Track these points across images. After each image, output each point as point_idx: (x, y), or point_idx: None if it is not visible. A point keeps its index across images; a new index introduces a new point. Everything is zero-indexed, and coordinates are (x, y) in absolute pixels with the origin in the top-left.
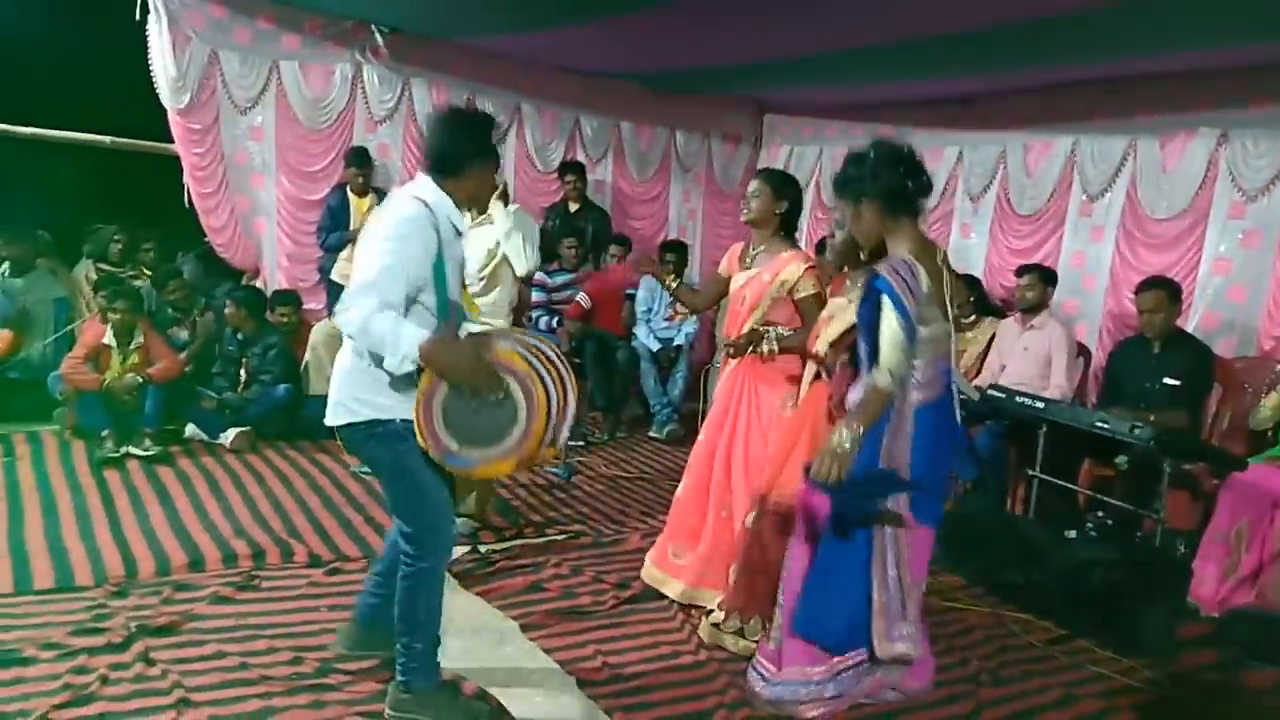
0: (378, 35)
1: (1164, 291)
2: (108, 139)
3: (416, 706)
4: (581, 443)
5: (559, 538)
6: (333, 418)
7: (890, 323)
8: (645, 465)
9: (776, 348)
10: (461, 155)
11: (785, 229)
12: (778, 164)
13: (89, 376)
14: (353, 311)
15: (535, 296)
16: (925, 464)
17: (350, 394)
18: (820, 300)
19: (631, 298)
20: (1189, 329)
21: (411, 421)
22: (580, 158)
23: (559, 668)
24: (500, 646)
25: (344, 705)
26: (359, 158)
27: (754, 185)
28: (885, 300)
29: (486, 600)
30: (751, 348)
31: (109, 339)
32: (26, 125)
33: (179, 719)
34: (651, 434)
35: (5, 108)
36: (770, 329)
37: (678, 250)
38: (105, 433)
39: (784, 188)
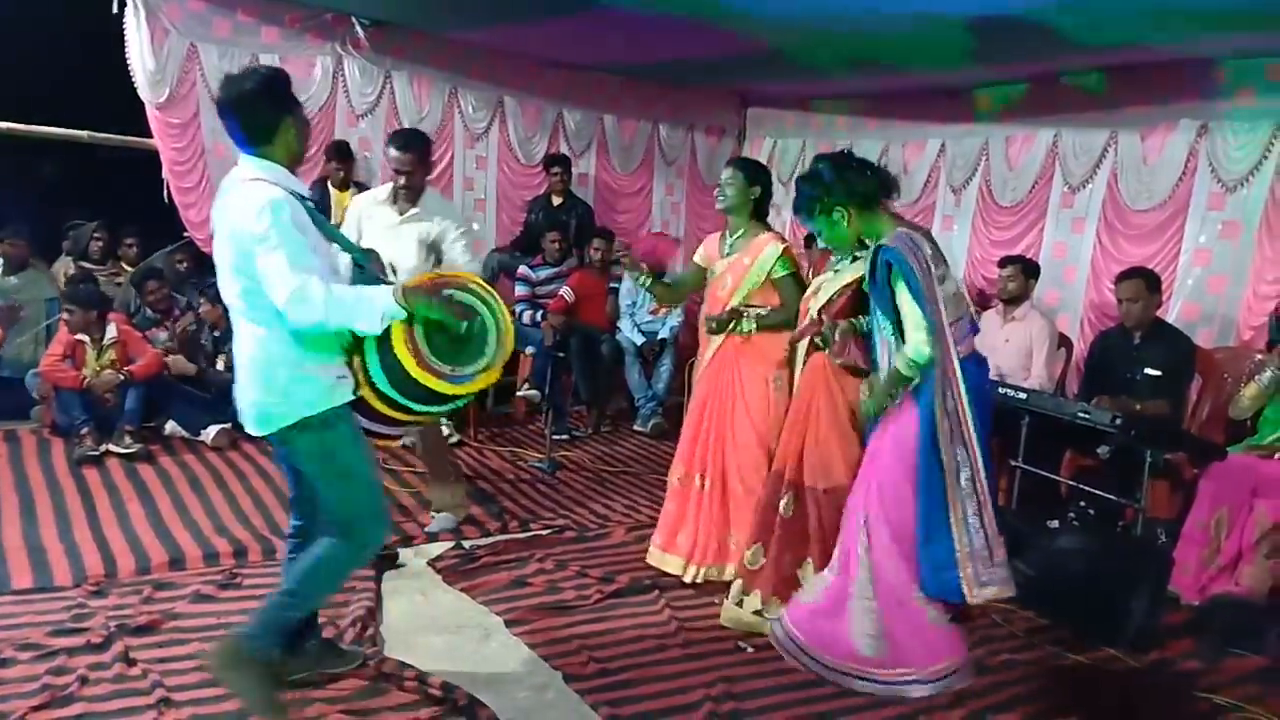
0: (359, 28)
1: (1143, 281)
2: (85, 134)
3: (237, 665)
4: (566, 437)
5: (543, 532)
6: (259, 426)
7: (906, 300)
8: (630, 459)
9: (755, 326)
10: (269, 118)
11: (759, 214)
12: (761, 156)
13: (69, 374)
14: (303, 303)
15: (519, 290)
16: (980, 418)
17: (271, 397)
18: (798, 280)
19: (615, 291)
20: (1169, 319)
21: (337, 406)
22: (563, 151)
23: (544, 663)
24: (485, 642)
25: (327, 704)
26: (340, 151)
27: (727, 173)
28: (896, 272)
29: (470, 596)
30: (732, 326)
31: (81, 335)
32: (2, 120)
33: (160, 719)
34: (636, 427)
35: None
36: (750, 309)
37: None
38: (84, 430)
39: (757, 174)
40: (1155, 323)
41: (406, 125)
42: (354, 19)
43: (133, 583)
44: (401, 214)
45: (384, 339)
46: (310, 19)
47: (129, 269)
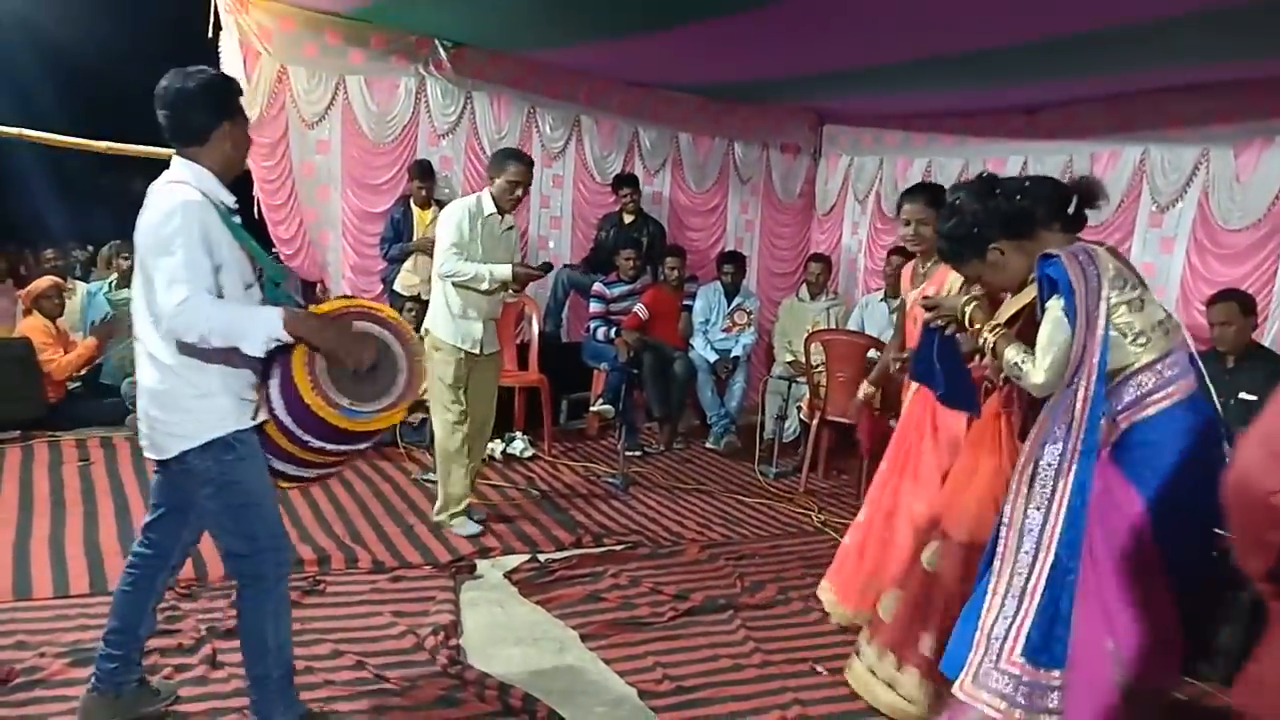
0: (441, 50)
1: (1236, 304)
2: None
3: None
4: (638, 453)
5: (616, 548)
6: (161, 449)
7: (1053, 315)
8: (702, 476)
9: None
10: (204, 121)
11: None
12: (837, 175)
13: None
14: (185, 314)
15: (593, 307)
16: (1165, 488)
17: (175, 418)
18: (990, 301)
19: (689, 308)
20: (1265, 342)
21: (240, 431)
22: (638, 169)
23: (619, 678)
24: (560, 655)
25: (405, 711)
26: (422, 171)
27: (920, 211)
28: (1055, 297)
29: (546, 609)
30: None
31: None
32: (103, 141)
33: None
34: (708, 445)
35: (85, 125)
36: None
37: (735, 261)
38: None
39: (941, 201)
40: (1251, 346)
41: (486, 145)
42: (437, 41)
43: (221, 587)
44: (506, 224)
45: (287, 364)
46: (395, 42)
47: None
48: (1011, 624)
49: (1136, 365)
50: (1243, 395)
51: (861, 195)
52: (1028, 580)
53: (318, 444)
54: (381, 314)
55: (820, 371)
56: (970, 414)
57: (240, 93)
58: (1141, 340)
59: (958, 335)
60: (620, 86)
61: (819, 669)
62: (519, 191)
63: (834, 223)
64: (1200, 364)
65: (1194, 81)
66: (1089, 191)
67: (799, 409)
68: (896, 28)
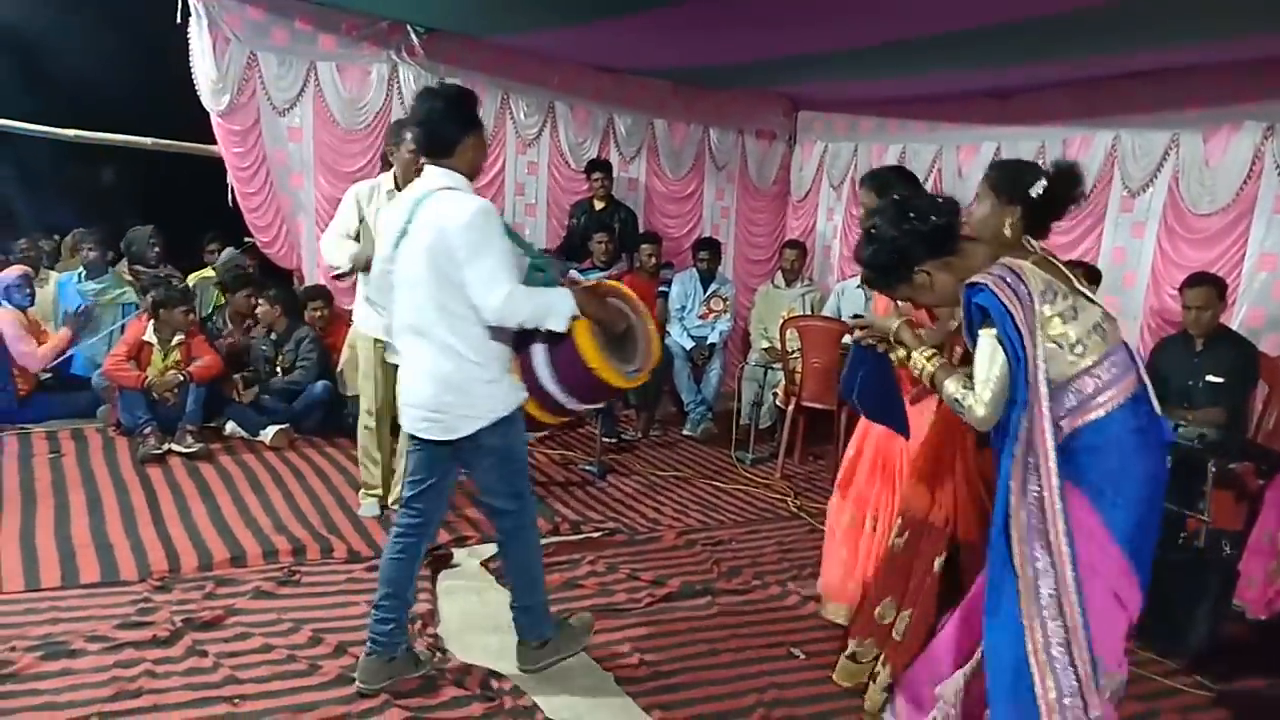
0: (413, 35)
1: (1211, 288)
2: (149, 141)
3: (552, 653)
4: (615, 440)
5: (594, 535)
6: (454, 430)
7: (986, 347)
8: (679, 463)
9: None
10: (455, 134)
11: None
12: (811, 161)
13: (131, 374)
14: (512, 305)
15: None
16: (1116, 494)
17: (469, 402)
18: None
19: (665, 295)
20: (1233, 326)
21: (516, 408)
22: (613, 155)
23: (597, 665)
24: None
25: (387, 697)
26: None
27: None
28: (989, 326)
29: None
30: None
31: (149, 336)
32: (69, 128)
33: (234, 710)
34: (685, 432)
35: (48, 111)
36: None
37: (710, 248)
38: (148, 430)
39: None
40: (1219, 329)
41: None
42: (409, 27)
43: (195, 578)
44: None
45: (556, 338)
46: (366, 27)
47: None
48: (1076, 672)
49: (1074, 372)
50: (1210, 378)
51: (836, 181)
52: (1064, 621)
53: (572, 407)
54: (620, 290)
55: (796, 358)
56: (901, 435)
57: (479, 104)
58: (1079, 349)
59: (890, 355)
60: (594, 72)
61: (796, 653)
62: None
63: (809, 209)
64: (1139, 360)
65: (1164, 66)
66: (1066, 179)
67: (775, 395)
68: (866, 10)
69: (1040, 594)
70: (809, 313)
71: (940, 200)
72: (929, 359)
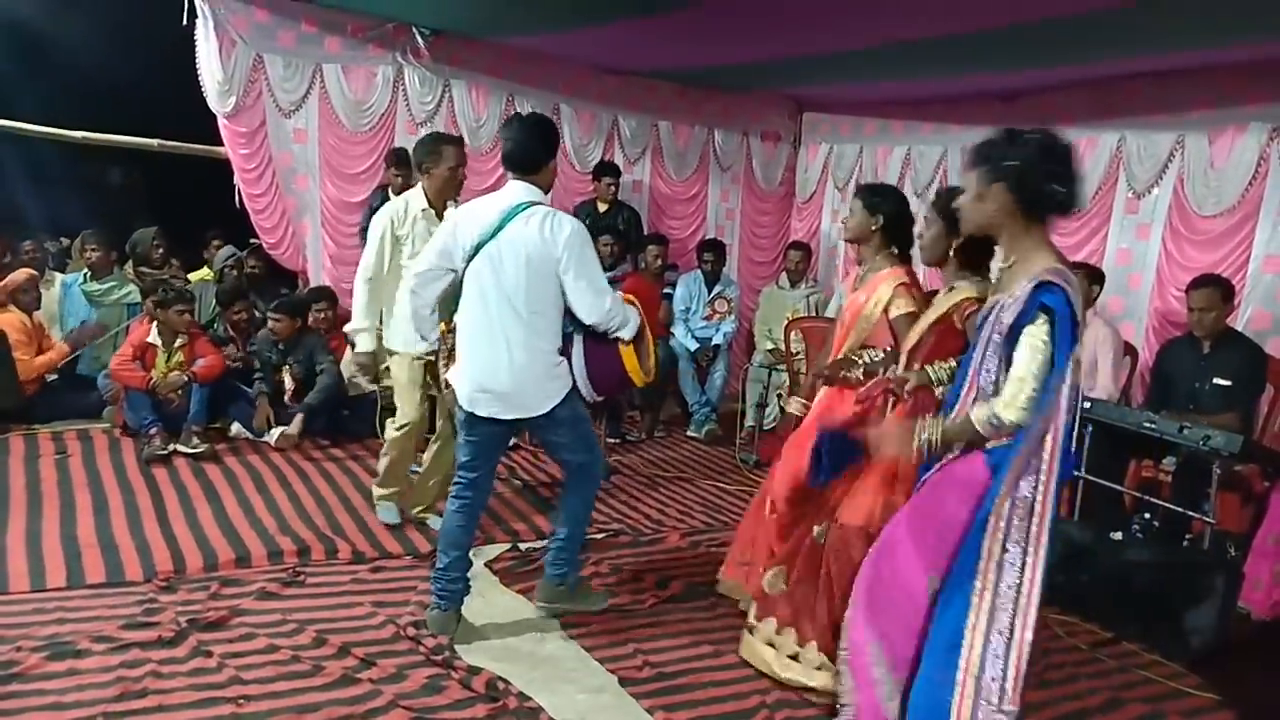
0: (419, 37)
1: (1217, 290)
2: (155, 143)
3: (567, 598)
4: (619, 441)
5: (598, 536)
6: (534, 409)
7: (1041, 352)
8: (683, 464)
9: (861, 375)
10: (543, 155)
11: (893, 244)
12: (816, 162)
13: (136, 374)
14: (618, 311)
15: None
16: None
17: (545, 385)
18: (916, 319)
19: (669, 296)
20: (1238, 327)
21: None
22: (618, 157)
23: (600, 666)
24: (541, 644)
25: (393, 698)
26: (399, 159)
27: (852, 203)
28: (1042, 324)
29: (527, 597)
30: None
31: (154, 338)
32: (77, 130)
33: (239, 711)
34: (690, 433)
35: (56, 112)
36: (866, 353)
37: (715, 249)
38: (153, 431)
39: (878, 201)
40: (1225, 331)
41: (465, 133)
42: (414, 29)
43: (200, 579)
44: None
45: (598, 337)
46: (372, 29)
47: (210, 275)
48: (1006, 663)
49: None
50: (1217, 380)
51: (841, 183)
52: (1014, 616)
53: (586, 396)
54: (631, 299)
55: (800, 359)
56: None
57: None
58: None
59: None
60: (599, 74)
61: None
62: (462, 175)
63: (814, 210)
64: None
65: (1169, 68)
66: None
67: (779, 397)
68: (873, 12)
69: (1001, 585)
70: (813, 314)
71: (1074, 188)
72: (932, 426)
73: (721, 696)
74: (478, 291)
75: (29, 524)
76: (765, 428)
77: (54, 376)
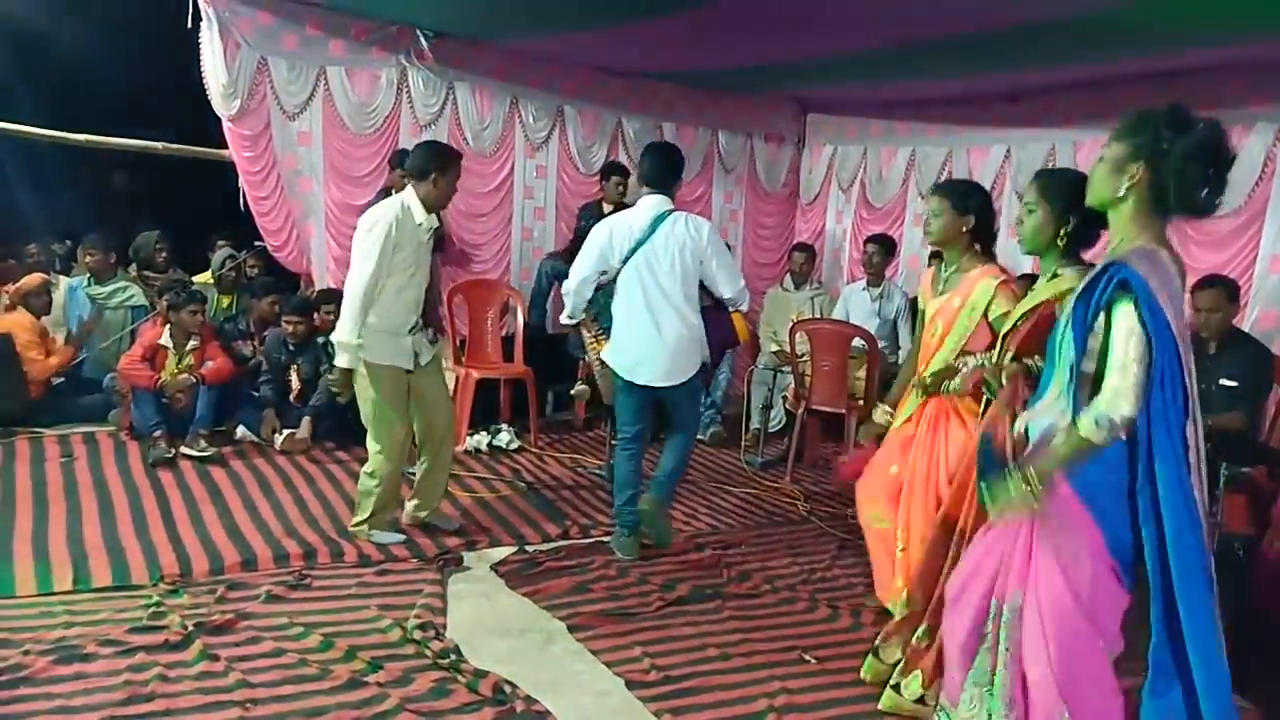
0: (422, 39)
1: (1223, 290)
2: (159, 145)
3: (663, 516)
4: None
5: (604, 539)
6: (682, 375)
7: (1126, 324)
8: (689, 467)
9: (967, 385)
10: (677, 178)
11: (980, 244)
12: (820, 164)
13: (145, 373)
14: (745, 290)
15: None
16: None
17: (693, 356)
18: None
19: None
20: (1244, 328)
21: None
22: (622, 159)
23: (606, 669)
24: (547, 647)
25: (400, 701)
26: (403, 161)
27: (932, 203)
28: (1127, 302)
29: (533, 600)
30: (943, 386)
31: (165, 340)
32: (80, 133)
33: (246, 715)
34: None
35: (60, 115)
36: (967, 359)
37: None
38: (159, 433)
39: (966, 201)
40: (1232, 332)
41: (469, 135)
42: (418, 31)
43: (207, 582)
44: (431, 225)
45: (719, 310)
46: (376, 32)
47: (212, 279)
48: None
49: None
50: (1223, 381)
51: (845, 184)
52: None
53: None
54: None
55: (805, 361)
56: None
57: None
58: None
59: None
60: (603, 76)
61: (807, 657)
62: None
63: (818, 212)
64: None
65: (1175, 68)
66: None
67: (784, 399)
68: (877, 14)
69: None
70: (818, 316)
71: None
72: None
73: (729, 700)
74: (637, 284)
75: (35, 527)
76: (770, 430)
77: (60, 379)
